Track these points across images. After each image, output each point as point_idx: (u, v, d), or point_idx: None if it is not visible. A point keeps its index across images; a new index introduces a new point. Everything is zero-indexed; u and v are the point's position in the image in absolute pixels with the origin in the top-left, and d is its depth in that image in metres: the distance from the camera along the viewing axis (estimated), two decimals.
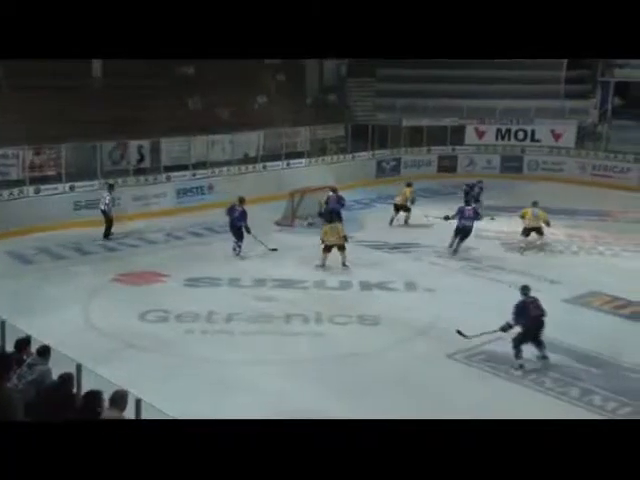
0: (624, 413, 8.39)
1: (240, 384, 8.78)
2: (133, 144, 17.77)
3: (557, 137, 23.61)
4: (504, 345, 10.08)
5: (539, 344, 9.65)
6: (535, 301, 9.65)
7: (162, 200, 17.91)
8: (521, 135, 23.96)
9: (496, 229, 16.92)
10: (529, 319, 9.49)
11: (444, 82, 23.66)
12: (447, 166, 23.79)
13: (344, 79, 25.20)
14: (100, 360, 8.54)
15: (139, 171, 17.83)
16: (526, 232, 15.47)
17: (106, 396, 5.75)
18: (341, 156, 22.31)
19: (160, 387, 8.27)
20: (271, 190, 18.31)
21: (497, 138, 24.14)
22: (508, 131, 23.99)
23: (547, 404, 8.58)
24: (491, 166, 23.88)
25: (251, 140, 20.23)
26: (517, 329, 9.59)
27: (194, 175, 18.73)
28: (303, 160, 21.23)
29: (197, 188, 18.62)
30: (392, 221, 17.15)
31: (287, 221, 17.05)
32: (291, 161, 20.86)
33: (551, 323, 10.54)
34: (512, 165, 23.68)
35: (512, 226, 16.56)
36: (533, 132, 23.77)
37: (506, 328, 9.57)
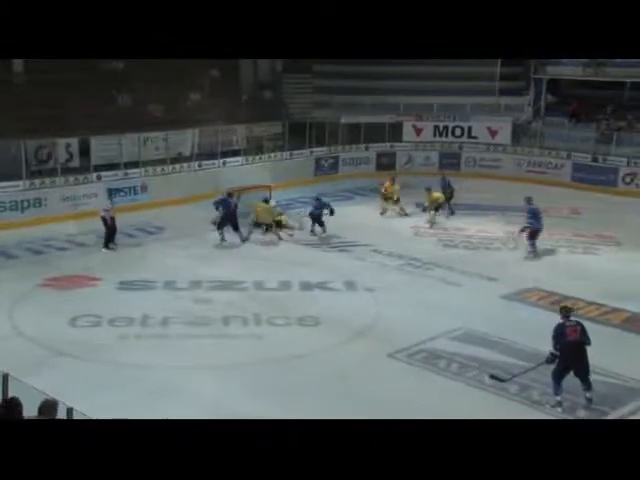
0: (563, 408, 8.60)
1: (176, 390, 8.69)
2: (60, 142, 17.39)
3: (493, 134, 24.15)
4: (445, 343, 10.26)
5: (583, 380, 8.66)
6: (575, 326, 8.65)
7: (93, 201, 17.52)
8: (458, 132, 24.39)
9: (437, 226, 17.27)
10: (565, 345, 8.50)
11: (381, 79, 23.88)
12: (385, 163, 24.01)
13: (280, 75, 25.15)
14: (28, 369, 8.32)
15: (68, 170, 17.48)
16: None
17: (35, 406, 5.63)
18: (278, 154, 22.27)
19: (93, 395, 8.12)
20: (207, 189, 18.15)
21: (435, 135, 24.50)
22: (445, 128, 24.39)
23: (487, 401, 8.73)
24: (429, 163, 24.24)
25: (185, 138, 20.02)
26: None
27: (126, 174, 18.46)
28: (240, 158, 21.10)
29: (129, 188, 18.33)
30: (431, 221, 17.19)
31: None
32: (227, 159, 20.72)
33: (488, 319, 10.85)
34: (450, 162, 24.08)
35: (448, 222, 17.23)
36: (470, 129, 24.24)
37: (551, 359, 8.57)
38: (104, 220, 14.84)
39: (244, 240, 15.24)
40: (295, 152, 22.63)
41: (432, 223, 17.17)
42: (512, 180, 22.39)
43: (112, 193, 16.18)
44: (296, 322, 11.12)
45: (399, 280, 13.39)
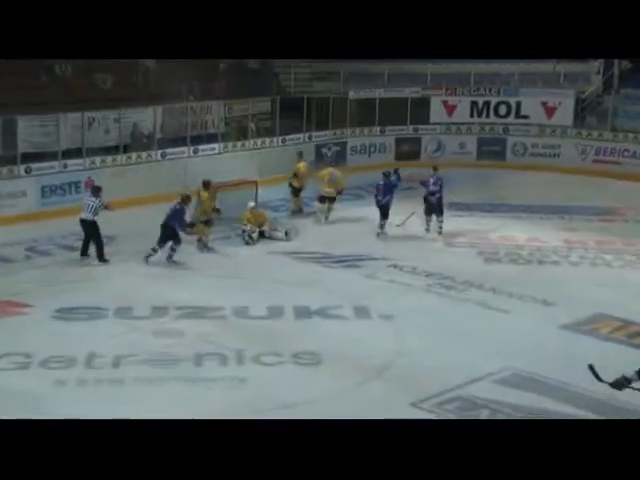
0: None
1: None
2: None
3: (550, 112, 24.29)
4: (487, 387, 10.22)
5: None
6: None
7: (20, 201, 17.51)
8: (503, 110, 24.58)
9: (473, 235, 17.48)
10: None
11: None
12: (407, 151, 24.23)
13: None
14: None
15: None
16: (322, 200, 18.10)
17: None
18: (267, 140, 22.50)
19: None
20: (172, 186, 18.11)
21: (472, 114, 24.74)
22: (486, 104, 24.62)
23: None
24: (465, 151, 24.55)
25: (144, 118, 20.13)
26: None
27: (65, 167, 18.51)
28: (216, 145, 21.22)
29: (69, 184, 18.37)
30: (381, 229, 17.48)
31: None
32: (200, 147, 20.90)
33: (544, 356, 10.75)
34: (492, 149, 24.35)
35: (490, 228, 17.36)
36: (519, 106, 24.44)
37: (621, 385, 7.76)
38: (89, 224, 14.93)
39: (170, 259, 15.22)
40: (289, 137, 22.92)
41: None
42: (574, 173, 22.59)
43: (95, 187, 16.01)
44: (290, 360, 11.07)
45: (425, 305, 13.40)
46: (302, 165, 19.28)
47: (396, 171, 17.78)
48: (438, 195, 17.27)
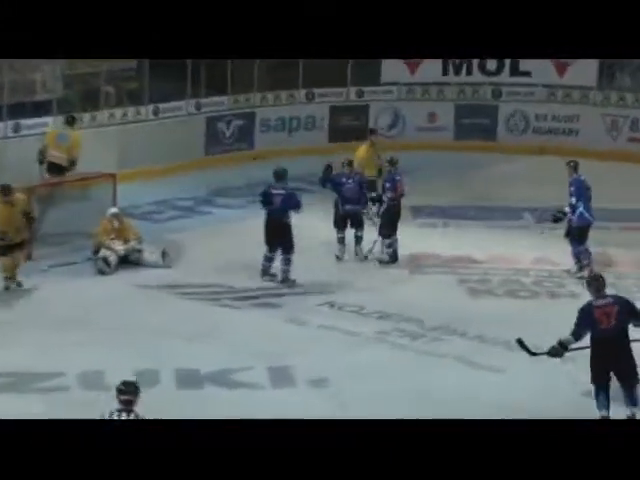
0: None
1: None
2: None
3: (562, 68, 24.52)
4: None
5: (627, 388, 11.00)
6: (611, 305, 11.08)
7: None
8: (493, 64, 24.72)
9: (450, 255, 17.53)
10: (596, 336, 10.99)
11: None
12: (348, 127, 24.15)
13: None
14: None
15: None
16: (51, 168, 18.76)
17: None
18: (131, 110, 22.45)
19: None
20: None
21: (446, 71, 25.00)
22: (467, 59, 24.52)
23: None
24: (437, 126, 24.77)
25: None
26: None
27: None
28: (49, 119, 21.05)
29: None
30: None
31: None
32: (22, 121, 20.78)
33: None
34: (477, 124, 24.61)
35: (475, 244, 17.51)
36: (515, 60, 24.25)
37: (558, 350, 11.32)
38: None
39: None
40: (165, 107, 22.86)
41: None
42: (601, 158, 22.51)
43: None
44: None
45: (378, 363, 13.34)
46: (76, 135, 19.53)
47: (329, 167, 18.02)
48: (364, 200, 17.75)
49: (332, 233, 17.62)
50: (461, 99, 24.96)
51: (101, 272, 16.62)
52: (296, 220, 16.54)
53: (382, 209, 17.36)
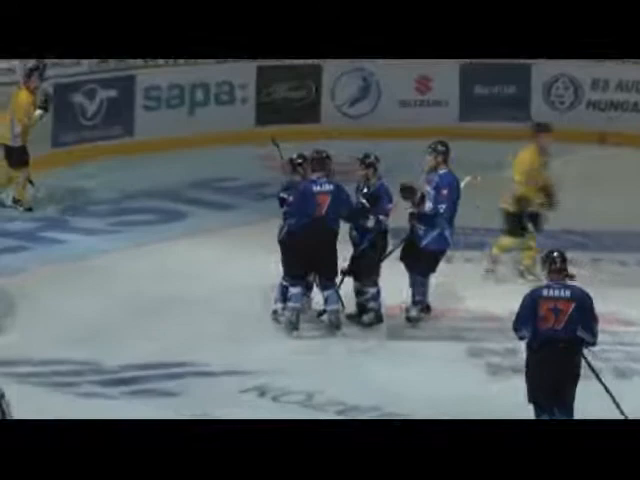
0: None
1: None
2: None
3: None
4: None
5: (560, 405, 10.30)
6: (566, 301, 9.93)
7: None
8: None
9: (455, 306, 14.84)
10: (537, 329, 10.15)
11: None
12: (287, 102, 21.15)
13: None
14: None
15: None
16: None
17: None
18: None
19: None
20: None
21: None
22: None
23: None
24: (432, 98, 21.15)
25: None
26: None
27: None
28: None
29: None
30: None
31: None
32: None
33: None
34: (496, 93, 20.95)
35: (494, 288, 14.99)
36: None
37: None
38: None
39: None
40: None
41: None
42: None
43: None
44: None
45: None
46: None
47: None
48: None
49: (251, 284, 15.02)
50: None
51: None
52: None
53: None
